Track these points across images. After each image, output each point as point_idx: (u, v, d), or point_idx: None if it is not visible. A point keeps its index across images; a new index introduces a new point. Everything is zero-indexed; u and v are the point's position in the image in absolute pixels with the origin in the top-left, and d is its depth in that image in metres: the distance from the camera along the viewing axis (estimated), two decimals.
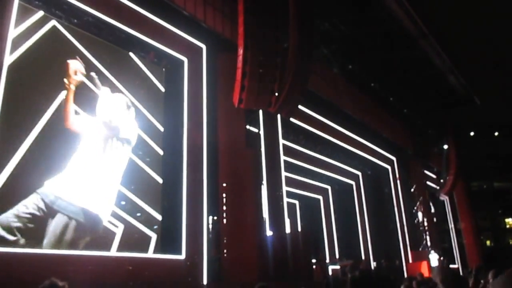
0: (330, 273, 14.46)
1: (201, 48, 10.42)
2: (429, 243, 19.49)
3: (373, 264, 17.62)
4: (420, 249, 19.21)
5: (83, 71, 8.09)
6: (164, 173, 9.57)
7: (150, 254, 8.70)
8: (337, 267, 14.86)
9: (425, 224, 19.95)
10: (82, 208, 7.73)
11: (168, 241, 9.02)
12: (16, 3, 7.09)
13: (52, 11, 8.03)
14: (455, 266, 21.34)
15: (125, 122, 8.67)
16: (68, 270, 6.72)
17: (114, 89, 8.62)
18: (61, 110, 7.75)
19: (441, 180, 22.28)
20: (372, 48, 14.75)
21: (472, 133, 27.18)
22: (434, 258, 17.57)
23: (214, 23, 10.64)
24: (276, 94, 9.81)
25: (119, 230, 8.29)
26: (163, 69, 10.21)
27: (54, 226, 7.25)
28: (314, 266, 13.20)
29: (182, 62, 10.12)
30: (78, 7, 8.18)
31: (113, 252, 7.98)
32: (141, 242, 8.62)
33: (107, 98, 8.22)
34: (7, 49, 6.75)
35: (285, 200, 11.35)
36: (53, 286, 2.86)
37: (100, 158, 8.21)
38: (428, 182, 22.11)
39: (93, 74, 8.09)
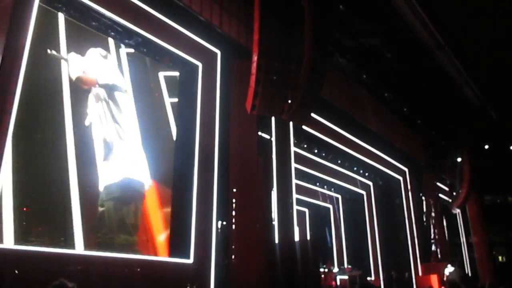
0: (338, 282, 14.34)
1: (216, 54, 10.48)
2: (439, 256, 19.19)
3: (381, 276, 17.43)
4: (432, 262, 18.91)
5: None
6: (175, 176, 9.62)
7: (158, 257, 8.73)
8: (345, 277, 14.74)
9: (436, 237, 19.68)
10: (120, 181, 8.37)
11: (176, 245, 9.03)
12: (36, 5, 7.20)
13: (70, 13, 8.17)
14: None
15: (103, 69, 8.76)
16: (75, 270, 6.78)
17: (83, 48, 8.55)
18: None
19: (454, 193, 21.99)
20: (387, 58, 14.67)
21: (486, 146, 26.78)
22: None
23: (230, 29, 10.70)
24: (289, 101, 9.80)
25: None
26: (178, 73, 10.30)
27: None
28: (322, 275, 13.14)
29: (197, 66, 10.19)
30: (96, 10, 8.29)
31: (121, 254, 8.02)
32: None
33: (75, 61, 8.22)
34: (26, 51, 6.86)
35: (295, 207, 11.31)
36: (62, 286, 2.86)
37: (106, 121, 8.51)
38: (440, 195, 21.85)
39: (49, 51, 7.82)
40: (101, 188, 8.05)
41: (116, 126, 8.64)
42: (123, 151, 8.64)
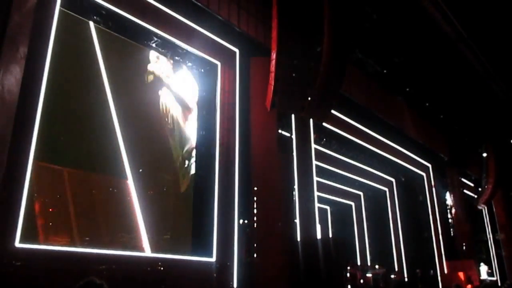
0: (362, 280, 14.19)
1: (234, 52, 10.48)
2: (465, 254, 18.79)
3: (405, 273, 17.18)
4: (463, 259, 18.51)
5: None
6: (196, 175, 9.67)
7: (182, 256, 8.79)
8: (369, 275, 14.59)
9: (462, 234, 19.27)
10: None
11: (199, 244, 9.08)
12: (57, 9, 7.33)
13: (90, 16, 8.29)
14: (494, 278, 20.53)
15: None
16: (102, 269, 6.88)
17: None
18: None
19: (479, 189, 21.50)
20: (408, 52, 14.42)
21: None
22: (483, 270, 16.87)
23: (248, 27, 10.68)
24: (309, 98, 9.75)
25: None
26: (197, 73, 10.36)
27: None
28: (348, 274, 13.08)
29: (216, 65, 10.22)
30: (115, 12, 8.39)
31: (146, 252, 8.11)
32: None
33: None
34: (48, 54, 6.98)
35: (316, 205, 11.23)
36: (90, 283, 2.89)
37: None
38: (465, 191, 21.39)
39: None
40: None
41: None
42: None
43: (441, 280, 16.89)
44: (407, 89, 16.36)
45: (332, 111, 11.72)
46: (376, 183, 18.92)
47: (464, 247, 18.94)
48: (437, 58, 15.06)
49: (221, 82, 10.15)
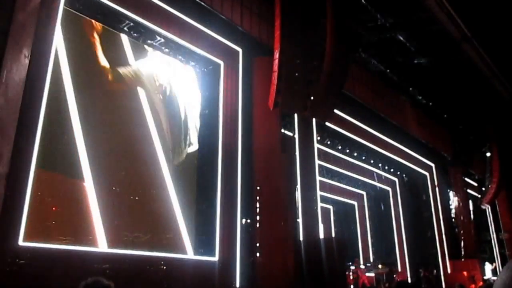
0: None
1: (237, 52, 10.48)
2: (468, 253, 18.73)
3: (409, 273, 17.15)
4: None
5: None
6: (199, 175, 9.67)
7: (184, 255, 8.80)
8: (372, 274, 14.58)
9: (465, 233, 19.21)
10: None
11: (202, 243, 9.10)
12: (61, 8, 7.34)
13: (94, 15, 8.31)
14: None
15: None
16: (103, 268, 6.90)
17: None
18: None
19: (483, 188, 21.43)
20: (411, 51, 14.37)
21: None
22: (488, 269, 16.81)
23: (251, 26, 10.68)
24: (312, 97, 9.74)
25: None
26: (200, 72, 10.36)
27: None
28: (352, 273, 13.08)
29: (219, 65, 10.22)
30: (118, 11, 8.41)
31: (148, 252, 8.12)
32: None
33: None
34: (52, 53, 7.01)
35: (319, 205, 11.24)
36: (98, 284, 2.84)
37: None
38: (468, 190, 21.33)
39: None
40: None
41: None
42: None
43: (445, 280, 16.85)
44: (411, 89, 16.33)
45: (335, 111, 11.71)
46: (379, 182, 18.88)
47: (467, 247, 18.88)
48: (441, 58, 15.01)
49: (224, 82, 10.15)
